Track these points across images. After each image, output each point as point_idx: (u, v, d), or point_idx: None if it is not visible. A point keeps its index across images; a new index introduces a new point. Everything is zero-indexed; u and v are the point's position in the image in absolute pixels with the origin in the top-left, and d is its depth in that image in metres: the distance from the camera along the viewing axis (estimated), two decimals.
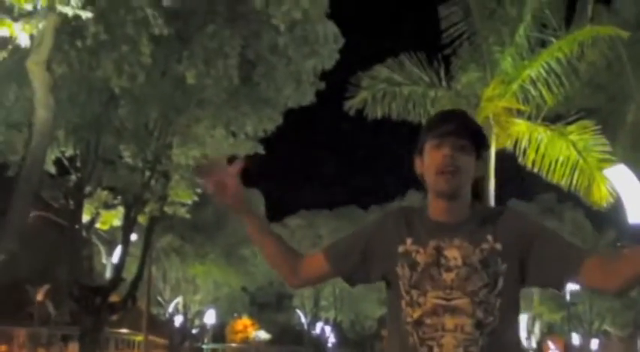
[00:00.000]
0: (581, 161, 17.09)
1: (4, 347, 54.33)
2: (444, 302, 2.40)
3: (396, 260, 2.50)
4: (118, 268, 25.52)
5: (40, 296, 54.16)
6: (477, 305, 2.39)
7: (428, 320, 2.41)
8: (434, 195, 2.51)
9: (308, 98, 22.68)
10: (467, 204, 2.51)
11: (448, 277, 2.41)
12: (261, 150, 26.20)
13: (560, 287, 2.45)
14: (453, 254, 2.43)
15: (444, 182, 2.45)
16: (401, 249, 2.50)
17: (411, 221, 2.54)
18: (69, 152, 23.50)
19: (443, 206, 2.49)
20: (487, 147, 2.55)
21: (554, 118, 18.03)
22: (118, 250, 27.62)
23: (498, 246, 2.42)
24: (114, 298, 26.48)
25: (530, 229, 2.47)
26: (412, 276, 2.46)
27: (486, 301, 2.39)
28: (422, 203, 2.58)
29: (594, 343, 58.81)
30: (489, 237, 2.43)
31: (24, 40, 11.77)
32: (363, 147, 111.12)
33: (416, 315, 2.43)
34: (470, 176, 2.48)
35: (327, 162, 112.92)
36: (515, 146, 16.96)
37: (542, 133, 17.13)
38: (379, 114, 18.02)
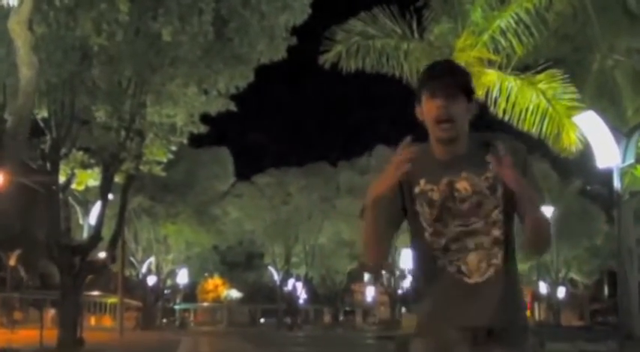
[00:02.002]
0: (550, 109, 17.50)
1: None
2: (464, 228, 2.78)
3: (415, 199, 2.84)
4: (98, 227, 25.68)
5: (12, 261, 54.04)
6: (491, 225, 2.77)
7: (453, 246, 2.79)
8: (435, 140, 2.79)
9: (280, 54, 22.83)
10: (466, 139, 2.81)
11: (464, 206, 2.78)
12: (233, 107, 26.37)
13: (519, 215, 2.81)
14: (463, 185, 2.77)
15: (442, 131, 2.72)
16: (417, 189, 2.83)
17: (420, 163, 2.80)
18: (42, 113, 23.48)
19: (445, 149, 2.79)
20: (475, 89, 2.88)
21: (523, 68, 18.41)
22: (95, 210, 27.79)
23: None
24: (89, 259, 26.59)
25: (520, 161, 2.76)
26: (432, 212, 2.81)
27: (498, 220, 2.78)
28: (424, 145, 2.84)
29: (561, 291, 59.84)
30: (491, 166, 2.75)
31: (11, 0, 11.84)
32: (332, 103, 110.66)
33: (442, 243, 2.81)
34: (465, 119, 2.75)
35: (296, 120, 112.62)
36: (486, 95, 17.33)
37: (513, 82, 17.51)
38: (353, 68, 18.29)
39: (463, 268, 2.78)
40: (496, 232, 2.77)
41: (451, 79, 2.74)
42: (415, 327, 2.92)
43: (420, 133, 2.90)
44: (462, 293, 2.78)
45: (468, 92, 2.78)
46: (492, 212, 2.77)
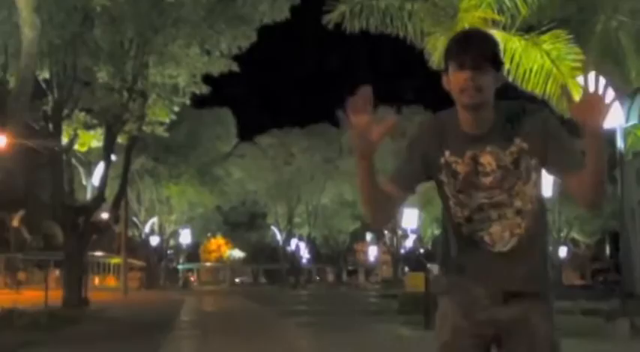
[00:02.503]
0: (554, 69, 17.44)
1: None
2: (487, 201, 2.83)
3: (440, 168, 2.87)
4: (101, 187, 25.77)
5: (15, 223, 54.32)
6: (514, 197, 2.81)
7: (476, 217, 2.85)
8: (461, 107, 2.80)
9: (284, 14, 22.72)
10: (490, 110, 2.82)
11: (487, 180, 2.81)
12: (235, 67, 26.34)
13: (561, 179, 2.85)
14: (487, 160, 2.81)
15: (468, 98, 2.72)
16: (442, 160, 2.86)
17: (446, 133, 2.87)
18: (44, 75, 23.43)
19: (470, 117, 2.79)
20: (502, 60, 2.85)
21: (527, 29, 18.30)
22: (98, 171, 27.85)
23: (525, 146, 2.79)
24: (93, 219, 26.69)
25: (549, 129, 2.80)
26: (456, 184, 2.86)
27: (522, 192, 2.81)
28: (450, 113, 2.87)
29: (562, 251, 60.13)
30: (517, 139, 2.79)
31: None
32: (335, 63, 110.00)
33: (465, 213, 2.86)
34: (491, 89, 2.76)
35: (299, 80, 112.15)
36: None
37: (517, 43, 17.39)
38: (357, 29, 18.18)
39: (486, 238, 2.84)
40: (518, 203, 2.82)
41: (479, 50, 2.74)
42: (443, 286, 2.99)
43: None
44: (487, 261, 2.84)
45: (496, 62, 2.78)
46: (515, 184, 2.81)
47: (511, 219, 2.81)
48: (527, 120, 2.82)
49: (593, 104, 2.62)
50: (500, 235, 2.82)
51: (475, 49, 2.73)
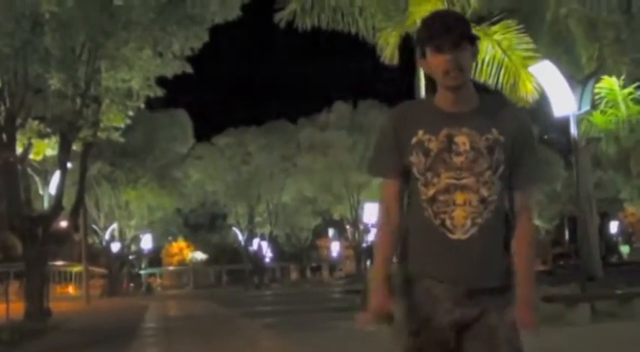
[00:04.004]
0: (506, 60, 17.59)
1: None
2: (455, 181, 2.82)
3: (411, 150, 2.88)
4: (58, 196, 25.40)
5: None
6: (481, 184, 2.82)
7: (441, 197, 2.83)
8: (443, 88, 2.86)
9: (234, 12, 22.62)
10: (472, 91, 2.89)
11: (458, 160, 2.83)
12: (189, 69, 26.19)
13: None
14: (462, 140, 2.83)
15: (452, 80, 2.79)
16: (414, 140, 2.87)
17: (418, 114, 2.92)
18: None
19: (452, 96, 2.85)
20: (476, 34, 2.89)
21: (478, 20, 18.43)
22: (55, 179, 27.47)
23: (502, 139, 2.83)
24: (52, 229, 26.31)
25: (524, 134, 2.89)
26: (426, 161, 2.86)
27: (490, 181, 2.83)
28: (422, 99, 2.94)
29: None
30: (494, 130, 2.83)
31: None
32: (289, 60, 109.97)
33: (430, 193, 2.85)
34: (471, 66, 2.87)
35: (253, 78, 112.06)
36: None
37: None
38: (309, 26, 18.19)
39: (448, 222, 2.82)
40: (485, 192, 2.82)
41: (455, 30, 2.78)
42: (400, 280, 2.94)
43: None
44: (444, 250, 2.82)
45: (471, 38, 2.84)
46: (485, 172, 2.82)
47: (475, 207, 2.81)
48: (507, 115, 2.90)
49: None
50: (462, 222, 2.81)
51: (450, 30, 2.77)
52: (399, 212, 2.94)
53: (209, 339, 15.73)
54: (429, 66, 2.85)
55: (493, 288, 2.84)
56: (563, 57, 21.69)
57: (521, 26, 17.53)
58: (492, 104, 2.92)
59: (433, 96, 2.94)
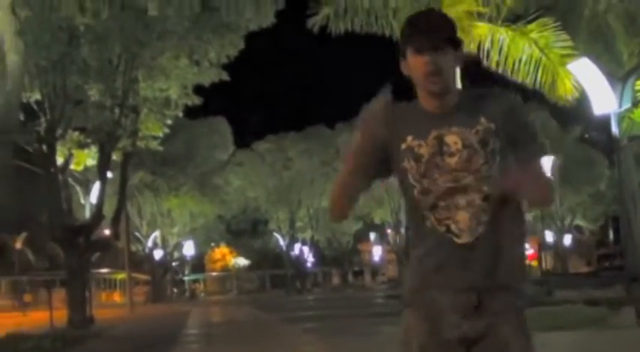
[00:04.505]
0: (543, 58, 17.38)
1: None
2: (453, 184, 2.68)
3: (401, 156, 2.74)
4: (99, 205, 25.70)
5: (18, 244, 54.16)
6: (481, 181, 2.67)
7: (442, 203, 2.69)
8: (424, 93, 2.70)
9: (269, 19, 22.65)
10: (456, 93, 2.74)
11: (452, 161, 2.68)
12: (225, 76, 26.29)
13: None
14: (453, 139, 2.68)
15: (432, 84, 2.64)
16: (403, 146, 2.73)
17: (404, 117, 2.77)
18: (35, 96, 23.39)
19: (435, 102, 2.70)
20: (461, 39, 2.81)
21: (514, 19, 18.24)
22: (96, 189, 27.77)
23: (492, 126, 2.68)
24: (93, 237, 26.58)
25: (515, 114, 2.73)
26: (419, 168, 2.71)
27: (489, 175, 2.68)
28: (409, 102, 2.78)
29: (567, 238, 59.80)
30: (483, 119, 2.69)
31: None
32: (327, 65, 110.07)
33: (430, 201, 2.71)
34: (453, 70, 2.70)
35: (291, 84, 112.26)
36: (478, 49, 17.18)
37: (504, 34, 17.35)
38: (342, 30, 18.10)
39: (453, 227, 2.68)
40: (486, 188, 2.68)
41: (437, 31, 2.65)
42: (406, 294, 2.82)
43: (400, 89, 2.85)
44: (453, 256, 2.69)
45: (454, 42, 2.70)
46: (482, 167, 2.68)
47: (478, 206, 2.68)
48: (494, 101, 2.74)
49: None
50: (468, 224, 2.67)
51: (432, 31, 2.64)
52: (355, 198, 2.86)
53: (249, 345, 15.74)
54: (409, 67, 2.71)
55: (504, 287, 2.71)
56: (602, 54, 21.30)
57: (558, 24, 17.32)
58: (475, 95, 2.78)
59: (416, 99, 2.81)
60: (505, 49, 17.34)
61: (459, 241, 2.68)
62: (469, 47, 17.16)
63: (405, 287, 2.85)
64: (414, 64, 2.67)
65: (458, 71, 2.82)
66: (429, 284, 2.74)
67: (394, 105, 2.79)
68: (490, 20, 17.49)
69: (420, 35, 2.63)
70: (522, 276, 2.81)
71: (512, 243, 2.75)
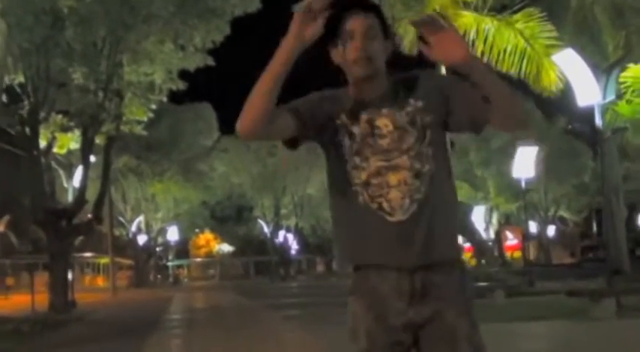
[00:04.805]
0: (528, 48, 17.43)
1: None
2: (385, 163, 2.70)
3: (337, 130, 2.77)
4: (81, 189, 25.57)
5: (1, 227, 53.90)
6: (413, 159, 2.70)
7: (374, 181, 2.71)
8: (354, 79, 2.75)
9: (254, 4, 22.58)
10: (383, 78, 2.76)
11: (384, 142, 2.71)
12: (211, 61, 26.21)
13: (479, 130, 2.77)
14: (383, 122, 2.72)
15: (361, 68, 2.68)
16: (338, 121, 2.77)
17: (340, 100, 2.79)
18: (19, 79, 23.22)
19: (364, 88, 2.74)
20: (390, 26, 2.83)
21: (500, 8, 18.27)
22: (79, 172, 27.64)
23: (420, 104, 2.72)
24: (76, 221, 26.49)
25: (445, 83, 2.79)
26: (352, 145, 2.75)
27: (420, 152, 2.71)
28: (341, 89, 2.82)
29: (551, 229, 59.98)
30: (411, 100, 2.72)
31: None
32: (310, 51, 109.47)
33: (363, 177, 2.72)
34: (382, 56, 2.73)
35: None
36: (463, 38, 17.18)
37: (490, 23, 17.40)
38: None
39: (385, 205, 2.69)
40: (418, 165, 2.70)
41: (366, 16, 2.69)
42: (351, 283, 2.81)
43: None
44: (386, 234, 2.68)
45: (384, 29, 2.74)
46: (414, 145, 2.71)
47: (410, 184, 2.69)
48: (423, 81, 2.78)
49: (448, 39, 2.52)
50: (400, 202, 2.68)
51: (361, 16, 2.68)
52: (277, 120, 2.69)
53: (230, 331, 15.74)
54: (339, 55, 2.74)
55: (443, 263, 2.72)
56: (587, 45, 21.39)
57: (544, 14, 17.35)
58: (403, 78, 2.80)
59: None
60: (490, 38, 17.38)
61: (391, 219, 2.68)
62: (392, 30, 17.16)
63: (341, 263, 2.87)
64: (345, 50, 2.70)
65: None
66: (367, 263, 2.74)
67: (328, 91, 2.86)
68: (476, 9, 17.52)
69: (349, 21, 2.68)
70: (458, 251, 2.85)
71: (446, 219, 2.76)
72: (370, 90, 2.74)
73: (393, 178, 2.69)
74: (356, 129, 2.74)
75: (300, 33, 2.58)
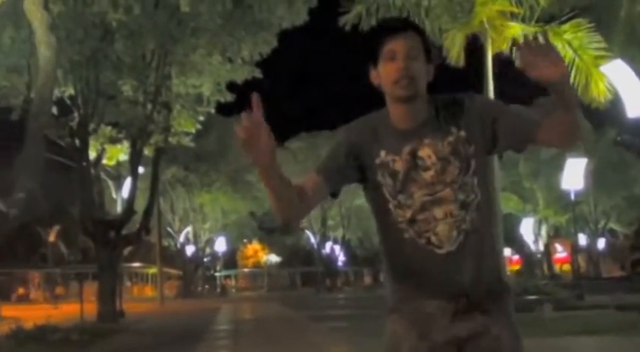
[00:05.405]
0: (577, 59, 17.22)
1: (21, 290, 55.30)
2: (430, 198, 2.67)
3: (376, 170, 2.73)
4: (130, 200, 25.86)
5: (52, 237, 54.82)
6: (457, 190, 2.67)
7: (420, 217, 2.68)
8: (393, 101, 2.70)
9: (301, 17, 22.67)
10: (424, 103, 2.70)
11: (428, 175, 2.67)
12: (258, 74, 26.32)
13: (522, 151, 2.72)
14: (426, 153, 2.67)
15: (401, 89, 2.62)
16: (377, 161, 2.72)
17: (378, 132, 2.74)
18: (69, 91, 23.70)
19: (403, 110, 2.69)
20: (435, 50, 2.78)
21: (548, 19, 18.07)
22: (127, 183, 27.98)
23: (463, 134, 2.67)
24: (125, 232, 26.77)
25: (489, 109, 2.70)
26: (395, 184, 2.71)
27: (464, 183, 2.67)
28: (381, 112, 2.77)
29: (601, 242, 59.10)
30: (453, 129, 2.67)
31: None
32: (359, 62, 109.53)
33: (408, 215, 2.70)
34: (424, 79, 2.67)
35: (324, 82, 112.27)
36: (511, 49, 17.05)
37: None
38: None
39: (433, 239, 2.68)
40: (462, 196, 2.68)
41: (410, 37, 2.65)
42: (392, 302, 2.81)
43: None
44: (436, 265, 2.68)
45: (426, 53, 2.69)
46: (458, 176, 2.68)
47: (457, 216, 2.67)
48: (459, 109, 2.71)
49: (549, 58, 2.41)
50: (448, 235, 2.67)
51: (405, 38, 2.64)
52: (310, 194, 2.72)
53: (275, 342, 15.76)
54: (379, 76, 2.70)
55: (491, 292, 2.71)
56: (637, 56, 21.02)
57: (592, 25, 17.14)
58: (441, 104, 2.73)
59: (386, 110, 2.76)
60: None
61: (440, 252, 2.68)
62: (501, 47, 17.08)
63: (389, 297, 2.83)
64: (386, 71, 2.67)
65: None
66: (415, 296, 2.74)
67: (364, 121, 2.82)
68: (523, 20, 17.37)
69: (392, 42, 2.64)
70: (504, 278, 2.82)
71: (492, 244, 2.76)
72: (411, 115, 2.70)
73: (438, 212, 2.68)
74: (398, 166, 2.70)
75: (255, 159, 2.51)
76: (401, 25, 2.71)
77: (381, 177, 2.74)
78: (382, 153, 2.72)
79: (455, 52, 17.17)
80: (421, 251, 2.69)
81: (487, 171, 2.78)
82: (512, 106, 2.71)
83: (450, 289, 2.68)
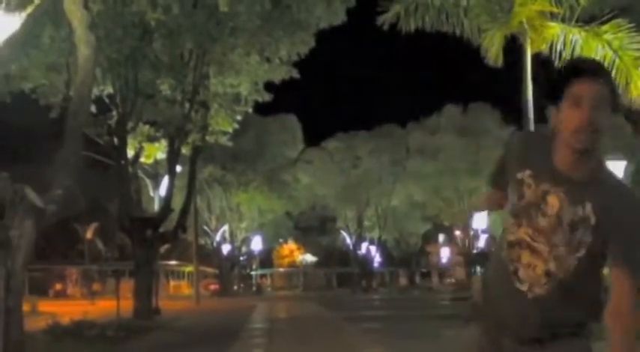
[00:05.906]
0: (617, 60, 16.98)
1: (58, 286, 56.10)
2: (528, 240, 2.63)
3: (512, 182, 2.71)
4: (167, 198, 26.03)
5: (89, 234, 55.35)
6: (551, 257, 2.59)
7: (516, 246, 2.67)
8: (564, 146, 2.55)
9: (339, 17, 22.66)
10: (591, 157, 2.56)
11: (541, 222, 2.59)
12: (296, 74, 26.34)
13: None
14: (553, 202, 2.57)
15: (579, 142, 2.49)
16: (519, 175, 2.67)
17: (534, 154, 2.67)
18: (108, 90, 23.94)
19: (570, 158, 2.55)
20: (621, 100, 2.68)
21: (588, 19, 17.85)
22: (165, 182, 28.17)
23: (592, 220, 2.52)
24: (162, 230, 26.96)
25: (627, 221, 2.51)
26: (516, 205, 2.69)
27: (562, 257, 2.57)
28: (544, 137, 2.66)
29: None
30: (588, 206, 2.53)
31: None
32: (398, 63, 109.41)
33: (510, 237, 2.70)
34: (604, 131, 2.50)
35: (362, 82, 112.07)
36: (550, 49, 16.88)
37: (577, 34, 16.99)
38: (412, 28, 17.96)
39: (521, 273, 2.65)
40: (552, 266, 2.60)
41: (600, 86, 2.48)
42: (473, 308, 2.88)
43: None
44: (510, 298, 2.70)
45: (613, 102, 2.53)
46: (560, 246, 2.58)
47: (537, 276, 2.62)
48: (611, 197, 2.55)
49: None
50: (528, 279, 2.65)
51: (596, 85, 2.48)
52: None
53: (310, 342, 15.78)
54: (559, 116, 2.54)
55: (567, 334, 2.70)
56: None
57: (633, 25, 16.89)
58: (606, 178, 2.62)
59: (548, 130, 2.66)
60: (578, 49, 16.97)
61: (521, 288, 2.66)
62: (541, 47, 16.91)
63: (474, 303, 2.89)
64: (569, 117, 2.50)
65: None
66: (492, 316, 2.81)
67: (530, 136, 2.96)
68: (563, 20, 17.17)
69: (582, 86, 2.49)
70: (587, 329, 2.74)
71: (580, 301, 2.65)
72: (572, 163, 2.58)
73: (525, 257, 2.65)
74: (528, 194, 2.65)
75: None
76: (594, 69, 2.57)
77: (511, 192, 2.73)
78: (527, 172, 2.67)
79: (493, 52, 17.01)
80: (507, 276, 2.70)
81: (594, 270, 2.63)
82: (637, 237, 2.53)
83: (522, 332, 2.70)
